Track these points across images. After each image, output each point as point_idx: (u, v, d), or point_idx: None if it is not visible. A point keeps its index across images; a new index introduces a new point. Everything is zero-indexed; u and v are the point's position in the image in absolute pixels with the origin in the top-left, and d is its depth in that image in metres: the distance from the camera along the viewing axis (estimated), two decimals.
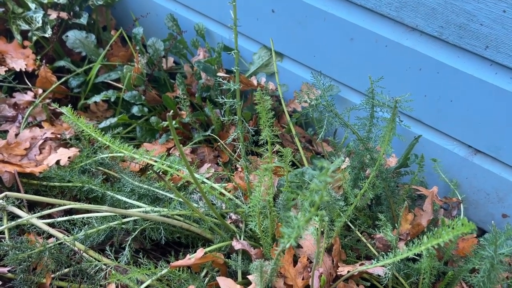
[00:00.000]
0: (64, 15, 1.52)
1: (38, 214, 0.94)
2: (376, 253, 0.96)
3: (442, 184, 1.31)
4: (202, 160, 1.32)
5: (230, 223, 0.96)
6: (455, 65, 1.15)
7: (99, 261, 0.89)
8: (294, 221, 0.55)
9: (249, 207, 0.78)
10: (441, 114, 1.24)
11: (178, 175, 1.11)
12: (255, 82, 1.32)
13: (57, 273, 0.94)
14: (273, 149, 1.02)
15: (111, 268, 0.87)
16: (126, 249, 0.95)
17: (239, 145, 0.88)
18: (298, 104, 1.26)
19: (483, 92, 1.13)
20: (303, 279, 0.91)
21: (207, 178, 1.03)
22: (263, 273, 0.75)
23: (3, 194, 0.93)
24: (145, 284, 0.82)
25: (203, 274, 0.89)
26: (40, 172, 1.16)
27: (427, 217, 0.97)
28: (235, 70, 0.83)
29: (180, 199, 0.91)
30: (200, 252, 0.84)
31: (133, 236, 0.97)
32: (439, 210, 1.16)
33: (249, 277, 0.83)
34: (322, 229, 0.98)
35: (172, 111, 1.00)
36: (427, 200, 1.00)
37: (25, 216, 0.94)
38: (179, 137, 1.37)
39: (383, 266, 0.91)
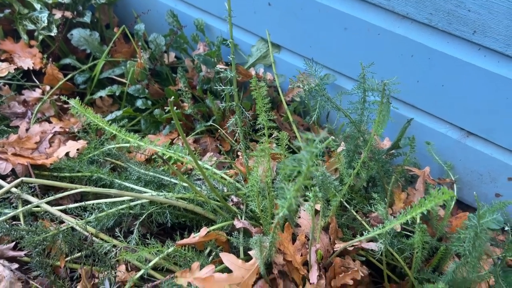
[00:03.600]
0: (68, 14, 1.57)
1: (51, 198, 0.99)
2: (371, 231, 1.01)
3: (436, 166, 1.36)
4: (204, 149, 1.37)
5: (232, 205, 1.01)
6: (445, 50, 1.20)
7: (108, 242, 0.95)
8: (287, 192, 0.60)
9: (248, 187, 0.84)
10: (433, 99, 1.29)
11: (182, 163, 1.17)
12: (253, 73, 1.37)
13: (70, 256, 1.00)
14: (271, 135, 1.07)
15: (120, 249, 0.93)
16: (135, 231, 1.01)
17: (238, 130, 0.93)
18: (292, 89, 1.31)
19: (473, 76, 1.17)
20: (301, 255, 0.96)
21: (209, 166, 1.09)
22: (262, 247, 0.81)
23: (18, 180, 0.99)
24: (152, 262, 0.88)
25: (207, 251, 0.95)
26: (50, 164, 1.22)
27: (419, 195, 1.02)
28: (231, 59, 0.88)
29: (184, 184, 0.97)
30: (204, 230, 0.89)
31: (140, 220, 1.02)
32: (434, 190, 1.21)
33: (250, 252, 0.88)
34: (317, 206, 1.04)
35: (173, 97, 1.04)
36: (419, 179, 1.05)
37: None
38: (182, 128, 1.42)
39: (374, 239, 0.96)
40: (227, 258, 0.84)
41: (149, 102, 1.44)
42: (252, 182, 0.74)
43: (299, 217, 1.03)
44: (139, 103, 1.42)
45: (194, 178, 1.14)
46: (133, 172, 1.14)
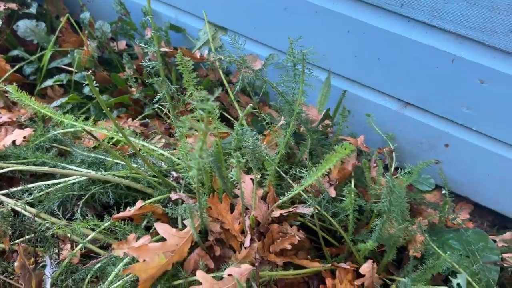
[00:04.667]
0: (13, 5, 1.57)
1: None
2: (306, 197, 1.05)
3: (379, 138, 1.41)
4: (154, 133, 1.40)
5: (172, 180, 1.04)
6: (378, 24, 1.24)
7: (47, 220, 0.96)
8: (195, 153, 0.63)
9: (178, 157, 0.87)
10: (371, 72, 1.34)
11: (127, 145, 1.19)
12: (198, 55, 1.39)
13: (18, 239, 1.01)
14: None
15: (59, 226, 0.95)
16: (78, 210, 1.03)
17: (168, 105, 0.96)
18: (215, 60, 1.34)
19: (405, 48, 1.23)
20: (239, 223, 1.00)
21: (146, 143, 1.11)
22: (193, 215, 0.84)
23: None
24: (90, 236, 0.91)
25: (144, 224, 0.98)
26: None
27: (351, 162, 1.07)
28: (153, 34, 0.91)
29: (120, 161, 0.99)
30: (139, 203, 0.92)
31: (83, 200, 1.05)
32: (373, 157, 1.26)
33: (185, 222, 0.91)
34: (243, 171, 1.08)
35: (90, 70, 1.05)
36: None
37: None
38: (131, 113, 1.44)
39: (311, 206, 1.01)
40: (161, 228, 0.87)
41: (97, 89, 1.45)
42: (181, 152, 0.77)
43: (238, 188, 1.07)
44: (86, 89, 1.43)
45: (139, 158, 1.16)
46: (78, 156, 1.16)
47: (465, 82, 1.20)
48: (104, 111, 1.44)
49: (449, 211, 1.20)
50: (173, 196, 0.94)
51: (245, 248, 0.91)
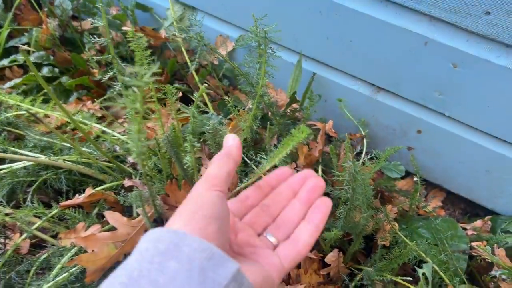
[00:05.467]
0: None
1: None
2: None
3: (351, 124, 1.37)
4: (116, 116, 1.33)
5: (128, 166, 0.98)
6: (350, 5, 1.19)
7: None
8: (133, 134, 0.58)
9: (126, 141, 0.81)
10: (343, 55, 1.29)
11: (88, 130, 1.12)
12: (163, 35, 1.32)
13: None
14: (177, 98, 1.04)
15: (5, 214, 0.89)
16: (28, 198, 0.97)
17: (119, 85, 0.89)
18: (177, 40, 1.27)
19: (377, 30, 1.18)
20: None
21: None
22: (144, 202, 0.79)
23: None
24: (36, 225, 0.85)
25: (94, 212, 0.92)
26: None
27: (318, 148, 1.02)
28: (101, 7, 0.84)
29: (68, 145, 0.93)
30: (88, 190, 0.86)
31: (34, 187, 0.98)
32: (342, 144, 1.22)
33: (138, 210, 0.86)
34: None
35: (25, 45, 0.98)
36: (320, 133, 1.05)
37: None
38: (93, 96, 1.37)
39: None
40: (111, 216, 0.82)
41: (57, 70, 1.37)
42: (131, 136, 0.71)
43: (200, 175, 1.01)
44: (45, 70, 1.35)
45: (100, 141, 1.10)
46: (31, 140, 1.09)
47: (438, 66, 1.16)
48: (64, 93, 1.36)
49: (420, 198, 1.17)
50: (127, 182, 0.88)
51: None
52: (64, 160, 0.93)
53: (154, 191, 0.80)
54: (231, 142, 0.65)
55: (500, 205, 1.29)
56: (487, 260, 1.04)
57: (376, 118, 1.36)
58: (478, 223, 1.23)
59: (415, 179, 1.28)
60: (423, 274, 0.84)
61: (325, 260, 0.99)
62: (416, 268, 0.91)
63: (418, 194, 1.18)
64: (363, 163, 1.24)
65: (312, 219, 0.66)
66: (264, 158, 0.84)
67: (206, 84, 0.96)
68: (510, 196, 1.26)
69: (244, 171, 1.06)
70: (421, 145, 1.33)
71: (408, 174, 1.36)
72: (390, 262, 0.92)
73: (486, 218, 1.22)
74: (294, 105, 1.12)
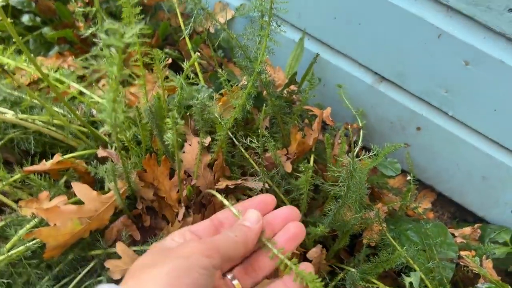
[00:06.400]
0: None
1: None
2: (258, 170, 0.93)
3: (348, 113, 1.30)
4: (99, 78, 1.23)
5: (105, 134, 0.89)
6: None
7: None
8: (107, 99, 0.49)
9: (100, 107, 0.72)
10: (350, 39, 1.20)
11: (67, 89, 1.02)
12: None
13: None
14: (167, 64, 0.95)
15: None
16: None
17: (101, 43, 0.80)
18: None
19: (389, 14, 1.09)
20: (177, 192, 0.87)
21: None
22: (116, 176, 0.71)
23: None
24: None
25: (62, 181, 0.84)
26: None
27: (313, 136, 0.95)
28: None
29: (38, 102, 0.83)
30: (57, 157, 0.78)
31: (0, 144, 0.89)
32: (338, 132, 1.15)
33: (109, 185, 0.78)
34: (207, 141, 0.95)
35: None
36: (316, 119, 0.97)
37: None
38: (76, 52, 1.26)
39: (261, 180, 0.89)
40: (79, 188, 0.74)
41: (38, 19, 1.26)
42: (104, 107, 0.62)
43: (183, 152, 0.93)
44: (25, 18, 1.24)
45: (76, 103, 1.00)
46: (1, 93, 0.99)
47: (448, 61, 1.08)
48: (45, 45, 1.25)
49: (412, 199, 1.12)
50: (101, 152, 0.80)
51: (178, 221, 0.79)
52: (33, 120, 0.84)
53: (129, 166, 0.71)
54: (255, 225, 0.58)
55: (492, 214, 1.24)
56: (474, 271, 1.00)
57: (374, 110, 1.29)
58: (467, 230, 1.18)
59: (408, 177, 1.22)
60: (410, 283, 0.79)
61: (307, 255, 0.93)
62: (402, 275, 0.85)
63: (410, 194, 1.12)
64: (357, 156, 1.17)
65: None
66: (253, 142, 0.77)
67: (199, 53, 0.87)
68: (503, 206, 1.21)
69: (231, 153, 0.98)
70: (418, 142, 1.27)
71: (400, 171, 1.30)
72: (376, 265, 0.87)
73: (476, 225, 1.17)
74: (292, 87, 1.04)
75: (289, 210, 0.66)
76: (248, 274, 0.59)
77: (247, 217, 0.59)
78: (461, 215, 1.36)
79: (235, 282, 0.57)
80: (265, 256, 0.60)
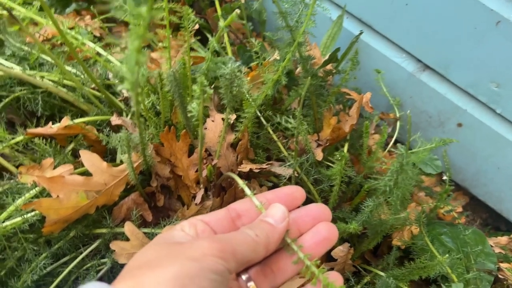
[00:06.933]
0: None
1: None
2: (287, 155, 0.84)
3: (384, 102, 1.19)
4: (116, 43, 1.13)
5: (120, 100, 0.80)
6: None
7: None
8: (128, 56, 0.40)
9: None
10: (394, 20, 1.09)
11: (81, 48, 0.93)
12: None
13: None
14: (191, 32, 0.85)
15: None
16: None
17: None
18: None
19: None
20: (196, 171, 0.78)
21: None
22: (131, 148, 0.61)
23: None
24: None
25: (69, 148, 0.75)
26: None
27: (350, 122, 0.85)
28: None
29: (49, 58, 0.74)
30: (65, 121, 0.69)
31: (4, 103, 0.80)
32: (373, 121, 1.05)
33: (122, 157, 0.69)
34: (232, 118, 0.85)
35: None
36: (355, 104, 0.87)
37: None
38: (94, 13, 1.16)
39: (291, 166, 0.80)
40: (87, 157, 0.65)
41: None
42: (126, 59, 0.52)
43: (205, 128, 0.84)
44: None
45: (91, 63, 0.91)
46: (10, 47, 0.90)
47: (504, 52, 0.97)
48: (63, 2, 1.16)
49: (447, 201, 1.02)
50: (115, 120, 0.71)
51: (196, 205, 0.70)
52: (42, 77, 0.75)
53: (146, 137, 0.62)
54: (279, 224, 0.49)
55: None
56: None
57: (413, 100, 1.18)
58: (504, 240, 1.08)
59: (443, 177, 1.11)
60: None
61: (332, 253, 0.84)
62: (442, 285, 0.76)
63: (446, 195, 1.02)
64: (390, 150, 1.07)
65: None
66: (289, 122, 0.67)
67: (238, 10, 0.77)
68: None
69: (257, 134, 0.89)
70: (458, 140, 1.16)
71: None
72: (410, 271, 0.77)
73: None
74: (329, 67, 0.93)
75: (319, 208, 0.56)
76: (266, 277, 0.50)
77: (271, 213, 0.49)
78: (494, 222, 1.26)
79: (251, 284, 0.48)
80: (288, 259, 0.51)
